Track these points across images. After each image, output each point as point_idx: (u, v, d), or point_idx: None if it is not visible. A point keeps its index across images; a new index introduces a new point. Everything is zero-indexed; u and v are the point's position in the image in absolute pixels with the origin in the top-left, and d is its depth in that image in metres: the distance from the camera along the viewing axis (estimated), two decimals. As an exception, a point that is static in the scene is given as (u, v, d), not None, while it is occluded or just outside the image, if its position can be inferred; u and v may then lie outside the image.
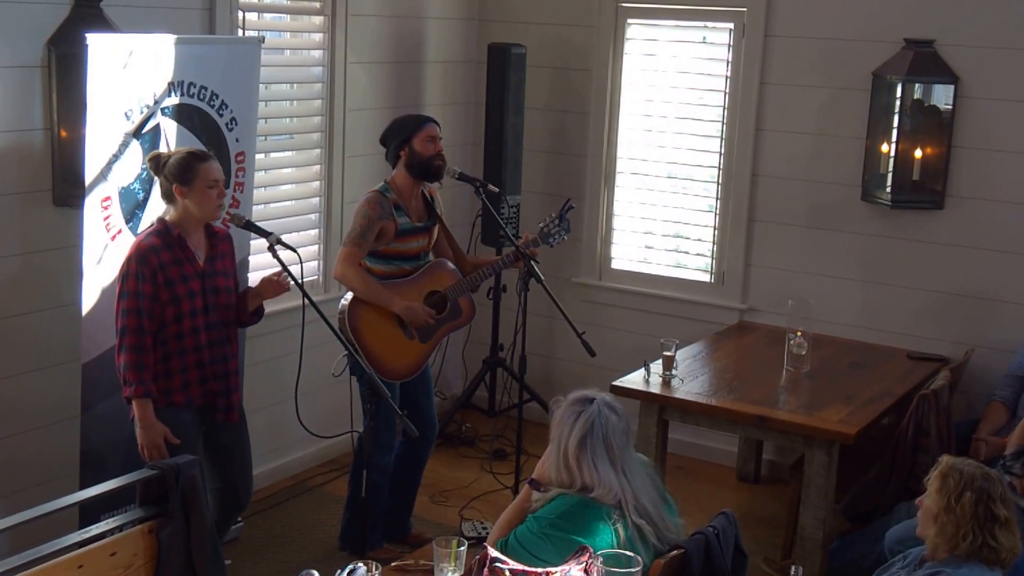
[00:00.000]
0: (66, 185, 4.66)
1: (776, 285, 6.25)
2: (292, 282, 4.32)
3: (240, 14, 5.45)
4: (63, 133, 4.63)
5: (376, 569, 3.04)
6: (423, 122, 5.01)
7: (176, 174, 4.21)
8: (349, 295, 4.96)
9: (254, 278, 5.13)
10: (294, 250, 4.37)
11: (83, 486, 4.38)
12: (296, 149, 6.04)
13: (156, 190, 4.39)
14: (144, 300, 4.15)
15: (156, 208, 4.41)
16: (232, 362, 4.45)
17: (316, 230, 6.10)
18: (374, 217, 4.89)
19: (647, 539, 3.33)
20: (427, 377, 5.23)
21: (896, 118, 5.80)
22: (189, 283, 4.25)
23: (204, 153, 4.34)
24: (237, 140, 4.95)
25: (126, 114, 4.43)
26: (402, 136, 4.97)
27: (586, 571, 3.01)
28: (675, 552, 3.34)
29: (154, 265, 4.16)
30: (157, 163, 4.29)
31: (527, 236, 5.19)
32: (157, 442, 4.18)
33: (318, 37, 5.99)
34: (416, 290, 5.03)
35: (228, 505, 4.58)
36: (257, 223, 4.56)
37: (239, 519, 5.31)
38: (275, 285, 4.47)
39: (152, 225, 4.29)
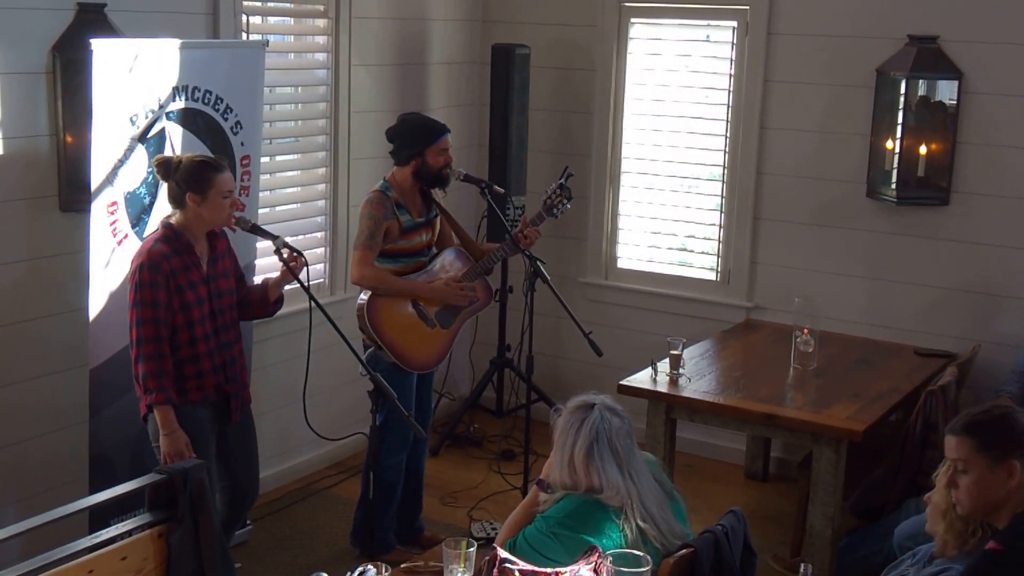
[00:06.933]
0: (72, 190, 4.67)
1: (782, 283, 6.25)
2: (299, 284, 4.33)
3: (244, 18, 5.46)
4: (69, 139, 4.64)
5: (386, 571, 3.04)
6: (438, 135, 4.99)
7: (190, 182, 4.20)
8: (365, 294, 4.97)
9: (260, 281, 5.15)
10: (300, 253, 4.38)
11: (92, 491, 4.39)
12: (301, 152, 6.04)
13: (162, 194, 4.39)
14: (160, 308, 4.15)
15: (162, 213, 4.41)
16: (241, 360, 4.49)
17: (322, 232, 6.11)
18: (380, 217, 4.90)
19: (650, 542, 3.33)
20: (431, 375, 5.25)
21: (900, 114, 5.80)
22: (196, 289, 4.26)
23: (218, 163, 4.33)
24: (242, 144, 4.96)
25: (131, 119, 4.44)
26: (417, 147, 4.96)
27: (595, 571, 3.01)
28: (685, 550, 3.34)
29: (166, 271, 4.16)
30: (167, 168, 4.25)
31: (525, 219, 5.20)
32: (179, 449, 4.18)
33: (322, 40, 5.99)
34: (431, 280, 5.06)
35: (236, 503, 4.60)
36: (263, 226, 4.57)
37: (248, 521, 5.33)
38: (294, 266, 4.42)
39: (158, 230, 4.28)
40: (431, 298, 5.00)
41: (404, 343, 4.93)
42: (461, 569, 3.14)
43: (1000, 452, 3.05)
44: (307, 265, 4.39)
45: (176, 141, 4.62)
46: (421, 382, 5.15)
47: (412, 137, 4.99)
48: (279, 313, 5.26)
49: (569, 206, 5.25)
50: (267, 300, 4.54)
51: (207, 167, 4.25)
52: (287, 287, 4.53)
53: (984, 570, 3.00)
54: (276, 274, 4.54)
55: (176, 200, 4.26)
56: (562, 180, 5.20)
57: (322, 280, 6.10)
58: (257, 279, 5.14)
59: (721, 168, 6.43)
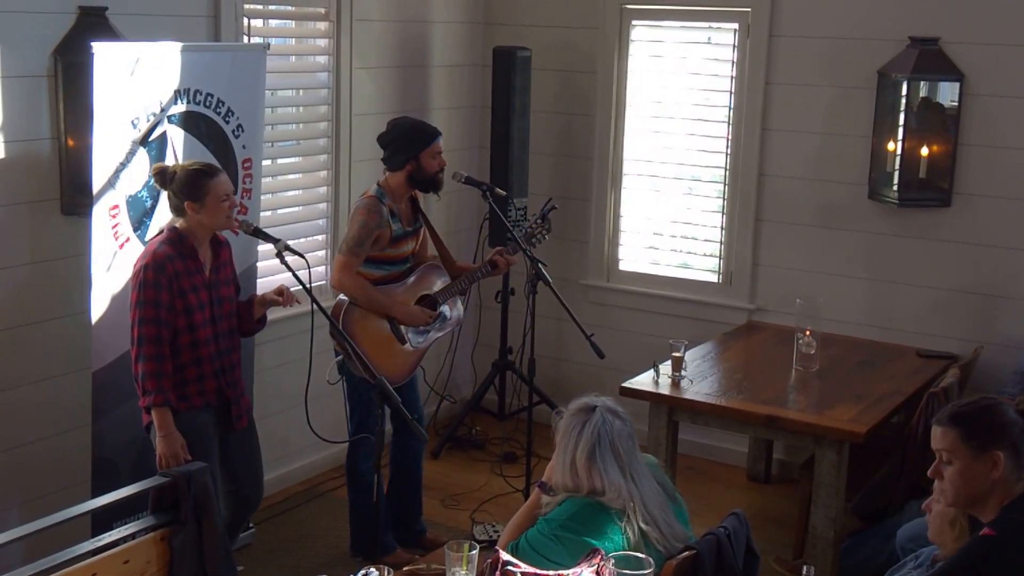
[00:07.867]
0: (74, 194, 4.67)
1: (784, 284, 6.24)
2: (301, 287, 4.32)
3: (245, 21, 5.46)
4: (70, 142, 4.65)
5: (389, 573, 3.04)
6: (431, 138, 4.99)
7: (186, 191, 4.21)
8: (341, 300, 4.97)
9: (262, 284, 5.15)
10: (302, 256, 4.36)
11: (95, 494, 4.39)
12: (303, 155, 6.05)
13: (164, 198, 4.40)
14: (162, 309, 4.15)
15: (164, 216, 4.42)
16: (239, 368, 4.48)
17: (324, 235, 6.11)
18: (372, 226, 4.88)
19: (652, 545, 3.33)
20: (414, 376, 5.25)
21: (902, 116, 5.80)
22: (199, 294, 4.26)
23: (212, 168, 4.33)
24: (244, 147, 4.96)
25: (133, 122, 4.45)
26: (411, 151, 4.96)
27: (598, 573, 3.01)
28: (687, 553, 3.34)
29: (170, 274, 4.16)
30: (164, 177, 4.27)
31: (500, 250, 5.25)
32: (175, 451, 4.19)
33: (323, 43, 6.00)
34: (408, 295, 5.06)
35: (239, 508, 4.61)
36: (265, 229, 4.57)
37: (250, 524, 5.33)
38: (283, 299, 4.49)
39: (163, 233, 4.29)
40: (403, 320, 5.01)
41: (374, 355, 4.89)
42: (463, 572, 3.13)
43: (984, 443, 3.07)
44: (308, 266, 4.37)
45: (178, 144, 4.62)
46: (408, 386, 5.14)
47: (406, 141, 4.98)
48: (280, 316, 5.29)
49: (547, 238, 5.32)
50: (250, 316, 4.53)
51: (201, 174, 4.24)
52: (287, 290, 4.53)
53: (977, 553, 3.01)
54: (276, 277, 4.54)
55: (176, 209, 4.27)
56: (545, 212, 5.25)
57: (324, 282, 6.09)
58: (260, 282, 5.15)
59: (723, 170, 6.43)
